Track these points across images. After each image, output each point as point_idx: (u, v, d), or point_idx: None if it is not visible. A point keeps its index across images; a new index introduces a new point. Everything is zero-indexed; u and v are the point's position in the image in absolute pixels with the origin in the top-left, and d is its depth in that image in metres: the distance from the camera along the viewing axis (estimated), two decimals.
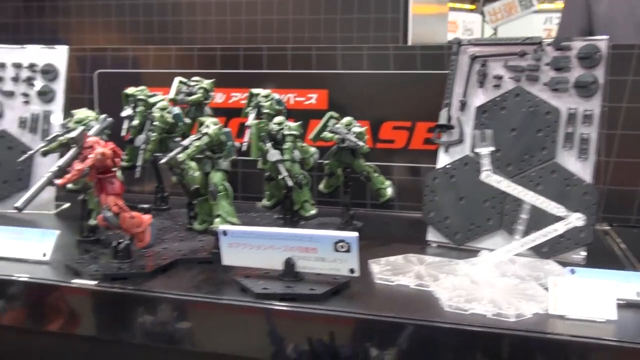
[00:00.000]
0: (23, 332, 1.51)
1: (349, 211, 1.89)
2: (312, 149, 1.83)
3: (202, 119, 1.57)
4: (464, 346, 1.20)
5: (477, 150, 1.46)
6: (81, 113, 1.71)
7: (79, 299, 1.42)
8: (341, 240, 1.34)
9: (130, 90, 2.04)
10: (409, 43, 3.02)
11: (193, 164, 1.64)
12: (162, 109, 1.69)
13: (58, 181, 1.37)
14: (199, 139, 1.51)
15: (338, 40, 3.06)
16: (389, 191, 1.88)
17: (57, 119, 2.20)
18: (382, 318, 1.24)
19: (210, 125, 1.52)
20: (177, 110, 1.71)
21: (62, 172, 1.38)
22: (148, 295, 1.37)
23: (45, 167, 2.17)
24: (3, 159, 2.21)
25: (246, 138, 1.79)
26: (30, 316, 1.48)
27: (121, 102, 2.46)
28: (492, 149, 1.44)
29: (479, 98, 1.79)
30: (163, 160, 1.46)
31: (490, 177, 1.44)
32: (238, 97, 2.34)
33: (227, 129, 1.54)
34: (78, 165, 1.38)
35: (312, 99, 2.27)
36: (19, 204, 1.35)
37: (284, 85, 2.26)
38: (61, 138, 1.64)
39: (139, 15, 3.35)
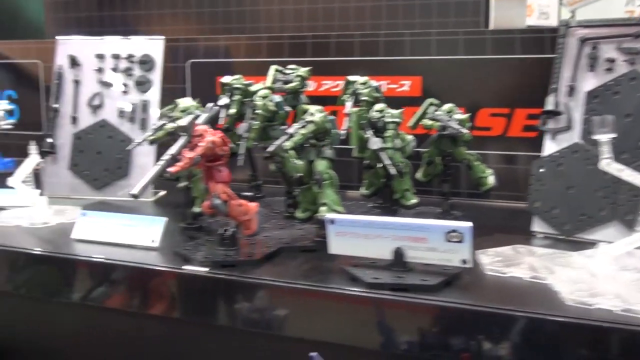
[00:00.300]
0: (131, 316, 1.55)
1: (448, 200, 1.85)
2: (409, 137, 1.80)
3: (305, 106, 1.56)
4: (589, 342, 1.15)
5: (596, 136, 1.39)
6: (185, 102, 1.74)
7: (189, 285, 1.44)
8: (454, 230, 1.31)
9: (226, 79, 2.06)
10: (491, 27, 2.93)
11: (292, 152, 1.64)
12: (264, 97, 1.69)
13: (171, 169, 1.39)
14: (304, 126, 1.50)
15: (417, 26, 2.99)
16: (491, 180, 1.83)
17: (155, 111, 2.26)
18: (502, 311, 1.20)
19: (316, 113, 1.51)
20: (278, 98, 1.71)
21: (173, 160, 1.40)
22: (258, 282, 1.37)
23: (144, 156, 2.26)
24: (103, 148, 2.29)
25: (344, 126, 1.77)
26: (140, 300, 1.52)
27: (213, 91, 2.52)
28: (613, 135, 1.36)
29: (589, 82, 1.70)
30: (270, 149, 1.46)
31: (611, 165, 1.36)
32: (329, 85, 2.33)
33: (331, 117, 1.52)
34: (189, 154, 1.39)
35: (405, 85, 2.23)
36: (135, 191, 1.38)
37: (375, 73, 2.23)
38: (168, 127, 1.67)
39: (203, 7, 3.39)
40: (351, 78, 1.92)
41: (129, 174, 2.26)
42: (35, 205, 1.94)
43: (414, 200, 1.72)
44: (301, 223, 1.73)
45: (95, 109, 2.32)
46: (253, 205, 1.49)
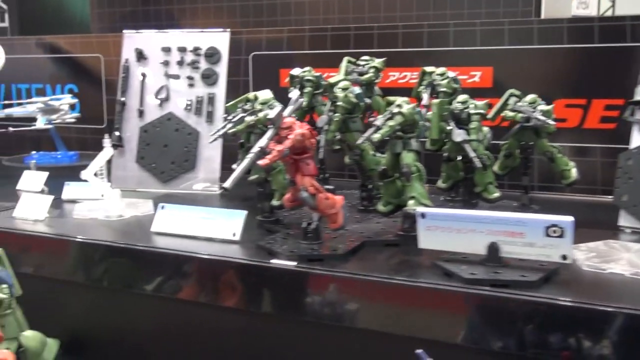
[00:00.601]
0: (213, 309, 1.54)
1: (527, 194, 1.80)
2: (485, 129, 1.76)
3: (392, 98, 1.53)
4: None
5: None
6: (264, 95, 1.72)
7: (276, 279, 1.43)
8: (554, 225, 1.27)
9: (296, 71, 2.04)
10: (542, 17, 2.86)
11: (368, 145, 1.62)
12: (344, 88, 1.66)
13: (260, 162, 1.37)
14: (391, 118, 1.47)
15: (465, 17, 2.93)
16: (574, 173, 1.77)
17: (220, 101, 2.25)
18: (608, 308, 1.15)
19: (403, 104, 1.48)
20: (358, 90, 1.68)
21: (262, 153, 1.38)
22: (350, 277, 1.35)
23: (211, 149, 2.25)
24: (170, 141, 2.29)
25: None
26: (223, 294, 1.51)
27: (275, 84, 2.50)
28: None
29: None
30: (359, 141, 1.44)
31: None
32: (396, 76, 2.29)
33: (419, 109, 1.49)
34: (278, 147, 1.38)
35: (476, 76, 2.18)
36: (227, 184, 1.37)
37: (444, 63, 2.18)
38: (248, 119, 1.65)
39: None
40: (427, 69, 1.88)
41: (195, 167, 2.26)
42: (108, 199, 1.95)
43: (496, 194, 1.68)
44: (379, 216, 1.71)
45: (162, 102, 2.32)
46: (339, 199, 1.47)
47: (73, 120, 2.62)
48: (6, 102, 2.80)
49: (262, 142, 1.40)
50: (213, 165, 2.25)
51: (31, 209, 1.89)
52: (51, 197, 1.92)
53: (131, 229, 1.78)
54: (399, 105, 1.48)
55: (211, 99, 2.28)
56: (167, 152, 2.28)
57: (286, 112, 1.45)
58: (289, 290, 1.42)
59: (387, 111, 1.51)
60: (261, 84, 2.50)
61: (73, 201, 2.06)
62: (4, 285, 1.45)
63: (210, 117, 2.27)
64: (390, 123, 1.46)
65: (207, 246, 1.58)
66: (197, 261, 1.51)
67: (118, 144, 2.30)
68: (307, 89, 1.95)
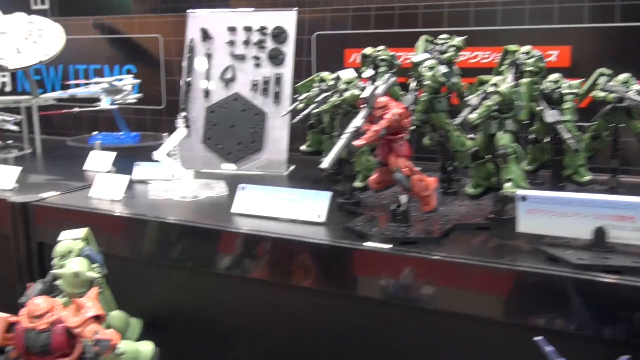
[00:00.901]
0: (298, 291, 1.52)
1: (616, 177, 1.74)
2: None
3: (485, 77, 1.48)
4: None
5: None
6: (348, 74, 1.68)
7: (370, 262, 1.40)
8: None
9: (368, 50, 2.00)
10: None
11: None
12: (431, 67, 1.62)
13: (355, 143, 1.34)
14: (487, 98, 1.42)
15: None
16: None
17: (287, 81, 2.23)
18: None
19: (499, 83, 1.43)
20: (444, 69, 1.64)
21: (357, 133, 1.35)
22: (448, 261, 1.32)
23: (278, 130, 2.23)
24: (237, 122, 2.27)
25: None
26: (311, 276, 1.49)
27: (339, 64, 2.46)
28: None
29: None
30: (456, 122, 1.39)
31: None
32: (467, 56, 2.23)
33: (518, 88, 1.44)
34: (375, 127, 1.34)
35: (553, 56, 2.11)
36: (324, 165, 1.34)
37: (519, 42, 2.11)
38: (333, 99, 1.62)
39: None
40: (511, 48, 1.82)
41: (263, 148, 2.24)
42: (182, 179, 1.94)
43: (588, 177, 1.63)
44: (461, 199, 1.68)
45: (228, 82, 2.30)
46: (432, 181, 1.43)
47: (134, 101, 2.61)
48: (68, 82, 2.81)
49: (358, 122, 1.37)
50: (280, 146, 2.23)
51: (108, 189, 1.88)
52: (128, 178, 1.91)
53: (210, 210, 1.77)
54: (495, 85, 1.43)
55: (278, 80, 2.25)
56: (234, 133, 2.26)
57: (379, 91, 1.41)
58: (384, 273, 1.39)
59: (480, 90, 1.46)
60: (325, 64, 2.48)
61: (143, 182, 2.05)
62: (95, 265, 1.44)
63: (277, 97, 2.24)
64: (488, 103, 1.41)
65: (291, 228, 1.56)
66: (287, 243, 1.49)
67: (184, 125, 2.28)
68: (382, 69, 1.91)
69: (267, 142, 2.24)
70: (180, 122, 1.96)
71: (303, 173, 2.21)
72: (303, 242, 1.46)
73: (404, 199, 1.48)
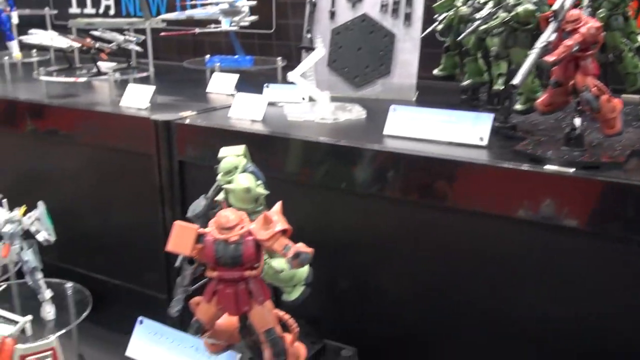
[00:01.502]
0: (469, 215, 1.47)
1: None
2: None
3: None
4: None
5: None
6: None
7: (548, 186, 1.34)
8: None
9: None
10: None
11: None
12: None
13: (546, 58, 1.26)
14: None
15: None
16: None
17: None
18: None
19: None
20: None
21: (548, 48, 1.27)
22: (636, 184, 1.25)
23: (407, 52, 2.15)
24: (364, 44, 2.19)
25: None
26: (478, 199, 1.44)
27: None
28: None
29: None
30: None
31: None
32: None
33: None
34: (567, 41, 1.25)
35: None
36: (516, 81, 1.27)
37: None
38: (503, 14, 1.53)
39: None
40: None
41: (391, 72, 2.16)
42: (318, 101, 1.90)
43: None
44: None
45: (355, 2, 2.21)
46: (618, 102, 1.34)
47: (248, 23, 2.55)
48: (185, 2, 2.76)
49: (546, 35, 1.28)
50: (410, 69, 2.15)
51: (247, 109, 1.86)
52: (267, 98, 1.88)
53: (360, 132, 1.73)
54: None
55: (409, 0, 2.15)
56: (361, 56, 2.19)
57: (568, 3, 1.31)
58: (564, 197, 1.33)
59: None
60: None
61: (272, 104, 2.01)
62: (259, 182, 1.43)
63: (408, 19, 2.14)
64: None
65: (451, 150, 1.51)
66: (456, 165, 1.43)
67: (309, 47, 2.22)
68: None
69: (395, 65, 2.16)
70: (318, 42, 1.90)
71: (432, 98, 2.13)
72: (472, 164, 1.41)
73: (577, 121, 1.39)
